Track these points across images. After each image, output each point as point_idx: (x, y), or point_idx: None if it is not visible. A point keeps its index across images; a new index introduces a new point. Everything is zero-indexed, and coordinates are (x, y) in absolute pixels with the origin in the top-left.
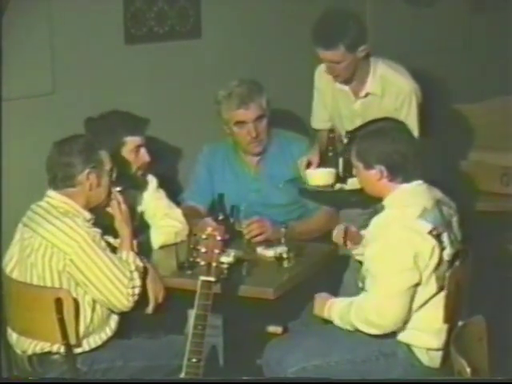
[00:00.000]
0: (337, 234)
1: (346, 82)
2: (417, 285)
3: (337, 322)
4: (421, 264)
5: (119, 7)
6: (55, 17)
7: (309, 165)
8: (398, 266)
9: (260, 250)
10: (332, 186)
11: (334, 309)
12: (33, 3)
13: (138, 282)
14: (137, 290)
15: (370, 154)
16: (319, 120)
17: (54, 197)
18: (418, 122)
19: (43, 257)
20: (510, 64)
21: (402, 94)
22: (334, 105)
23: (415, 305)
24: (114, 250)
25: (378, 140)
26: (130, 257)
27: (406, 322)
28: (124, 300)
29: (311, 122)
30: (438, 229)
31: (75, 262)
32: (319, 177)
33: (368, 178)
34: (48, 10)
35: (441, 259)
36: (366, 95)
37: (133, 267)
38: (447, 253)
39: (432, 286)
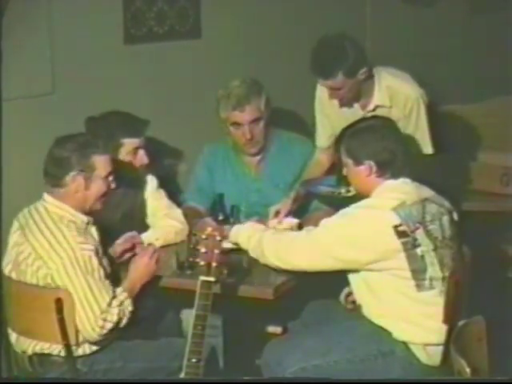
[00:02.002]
0: (342, 293)
1: (351, 103)
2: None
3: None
4: (366, 250)
5: (119, 7)
6: (55, 17)
7: (277, 213)
8: (341, 232)
9: None
10: None
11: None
12: (33, 3)
13: (113, 318)
14: (108, 325)
15: (360, 151)
16: (324, 135)
17: (49, 201)
18: (429, 126)
19: (31, 266)
20: (510, 64)
21: (410, 101)
22: (339, 116)
23: (380, 291)
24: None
25: (367, 136)
26: (122, 296)
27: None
28: (89, 329)
29: (317, 141)
30: (407, 226)
31: (55, 278)
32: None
33: (357, 174)
34: (48, 10)
35: (412, 255)
36: (375, 108)
37: (115, 304)
38: (421, 249)
39: (398, 279)
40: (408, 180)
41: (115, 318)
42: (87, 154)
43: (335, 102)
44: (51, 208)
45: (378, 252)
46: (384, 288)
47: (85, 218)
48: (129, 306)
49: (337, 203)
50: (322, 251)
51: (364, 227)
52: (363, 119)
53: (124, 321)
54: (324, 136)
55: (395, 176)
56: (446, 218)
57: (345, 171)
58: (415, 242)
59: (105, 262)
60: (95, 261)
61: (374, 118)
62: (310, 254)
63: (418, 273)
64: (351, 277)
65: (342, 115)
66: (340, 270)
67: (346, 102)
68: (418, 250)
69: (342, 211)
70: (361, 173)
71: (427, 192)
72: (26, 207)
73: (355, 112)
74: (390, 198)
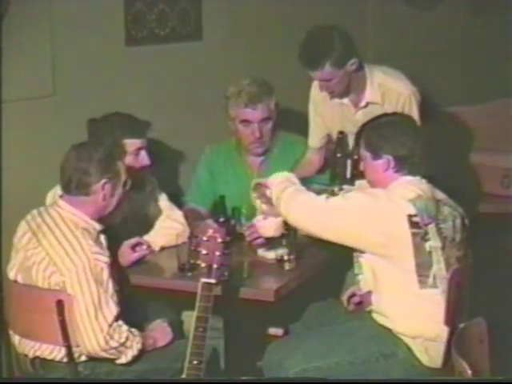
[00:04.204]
0: (345, 295)
1: (342, 95)
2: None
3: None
4: (377, 230)
5: (120, 9)
6: (56, 19)
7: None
8: (360, 204)
9: (261, 252)
10: (283, 235)
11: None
12: (33, 5)
13: (120, 338)
14: (113, 343)
15: (379, 144)
16: (317, 136)
17: (64, 208)
18: (421, 123)
19: (44, 271)
20: (511, 66)
21: (402, 98)
22: (333, 117)
23: (383, 281)
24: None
25: (388, 131)
26: (137, 336)
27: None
28: (94, 341)
29: (309, 141)
30: (420, 218)
31: (66, 285)
32: (267, 228)
33: (375, 168)
34: (49, 11)
35: (420, 248)
36: (367, 105)
37: (124, 327)
38: (430, 244)
39: (400, 272)
40: (424, 180)
41: (122, 339)
42: (114, 161)
43: (328, 100)
44: (66, 214)
45: (386, 235)
46: (387, 279)
47: (97, 226)
48: (138, 344)
49: None
50: (336, 219)
51: (382, 207)
52: (385, 114)
53: (129, 355)
54: (317, 136)
55: (412, 173)
56: (458, 222)
57: (362, 165)
58: (425, 236)
59: (114, 271)
60: (106, 273)
61: (395, 114)
62: (324, 219)
63: (422, 268)
64: (363, 262)
65: (336, 113)
66: (345, 244)
67: (336, 94)
68: (427, 245)
69: (363, 189)
70: (378, 167)
71: (441, 195)
72: (35, 209)
73: (347, 110)
74: (408, 190)
